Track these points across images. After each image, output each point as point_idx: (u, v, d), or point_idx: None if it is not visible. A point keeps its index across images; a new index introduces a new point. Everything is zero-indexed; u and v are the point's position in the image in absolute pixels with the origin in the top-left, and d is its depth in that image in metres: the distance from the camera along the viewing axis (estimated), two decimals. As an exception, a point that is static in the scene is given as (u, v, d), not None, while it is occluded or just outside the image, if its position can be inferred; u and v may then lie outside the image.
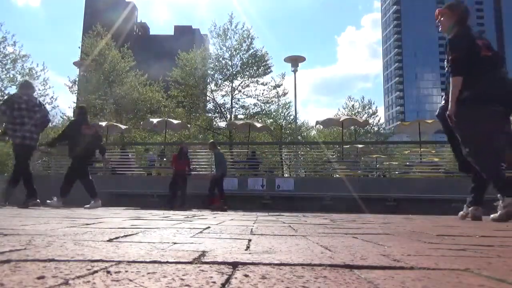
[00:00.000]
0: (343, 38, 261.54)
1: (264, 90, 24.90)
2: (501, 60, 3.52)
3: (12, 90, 21.08)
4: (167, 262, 0.88)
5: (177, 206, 8.72)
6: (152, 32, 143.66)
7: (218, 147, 9.70)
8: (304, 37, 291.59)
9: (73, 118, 7.31)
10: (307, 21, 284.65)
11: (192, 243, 1.32)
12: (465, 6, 3.68)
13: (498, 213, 3.17)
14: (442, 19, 3.68)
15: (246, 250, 1.15)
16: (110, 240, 1.35)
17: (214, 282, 0.67)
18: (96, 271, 0.74)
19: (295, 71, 15.19)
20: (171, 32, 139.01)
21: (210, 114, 26.82)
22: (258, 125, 15.77)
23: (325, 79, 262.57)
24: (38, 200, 5.89)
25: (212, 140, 10.44)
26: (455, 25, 3.54)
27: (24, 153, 5.79)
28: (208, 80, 25.93)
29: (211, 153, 9.88)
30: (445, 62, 3.48)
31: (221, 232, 1.85)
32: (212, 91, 25.61)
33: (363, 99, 31.89)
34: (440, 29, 3.72)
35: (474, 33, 3.57)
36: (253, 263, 0.88)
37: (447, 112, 3.42)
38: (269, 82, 24.92)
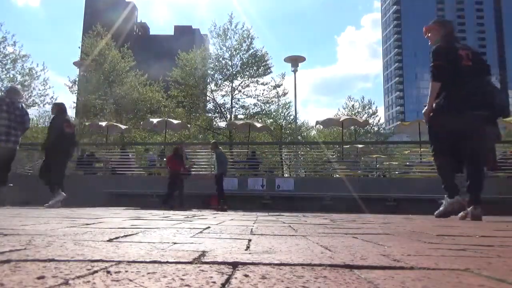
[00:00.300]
0: (343, 38, 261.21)
1: (264, 90, 24.91)
2: (485, 69, 3.67)
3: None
4: (167, 262, 0.88)
5: (177, 206, 8.72)
6: (152, 32, 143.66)
7: (220, 147, 9.69)
8: (304, 37, 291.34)
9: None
10: (307, 21, 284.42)
11: (192, 243, 1.32)
12: (450, 22, 4.06)
13: (449, 205, 3.56)
14: (429, 34, 3.99)
15: (246, 250, 1.15)
16: (110, 240, 1.35)
17: (214, 282, 0.67)
18: (96, 271, 0.74)
19: (295, 71, 15.17)
20: (171, 32, 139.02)
21: (210, 114, 26.80)
22: (258, 125, 15.76)
23: (325, 79, 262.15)
24: (9, 184, 5.92)
25: (214, 140, 10.41)
26: (442, 39, 3.83)
27: None
28: (208, 80, 25.91)
29: (212, 153, 9.87)
30: None
31: (221, 232, 1.85)
32: (212, 91, 25.61)
33: (363, 99, 31.89)
34: (429, 43, 4.00)
35: (459, 44, 3.83)
36: (253, 263, 0.88)
37: (423, 111, 3.84)
38: (269, 82, 24.93)
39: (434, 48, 3.75)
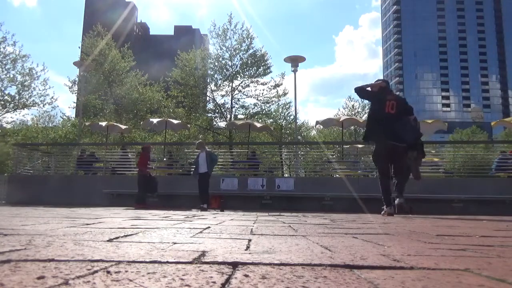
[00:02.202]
0: (341, 37, 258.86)
1: (264, 90, 24.86)
2: (404, 113, 5.17)
3: (12, 90, 21.06)
4: (167, 262, 0.88)
5: (137, 204, 8.56)
6: (152, 32, 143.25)
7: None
8: (302, 36, 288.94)
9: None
10: (305, 20, 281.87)
11: (192, 243, 1.32)
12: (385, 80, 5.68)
13: (383, 212, 5.12)
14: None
15: (246, 250, 1.15)
16: (110, 240, 1.35)
17: (214, 282, 0.67)
18: (96, 271, 0.74)
19: (295, 71, 15.11)
20: (171, 32, 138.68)
21: (210, 114, 26.75)
22: (258, 125, 15.71)
23: (324, 78, 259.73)
24: None
25: (200, 140, 9.89)
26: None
27: None
28: (208, 80, 25.88)
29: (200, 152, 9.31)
30: None
31: (221, 232, 1.85)
32: (212, 91, 25.58)
33: (363, 99, 31.83)
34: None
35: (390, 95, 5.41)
36: (253, 263, 0.88)
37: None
38: (269, 82, 24.89)
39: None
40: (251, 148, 14.38)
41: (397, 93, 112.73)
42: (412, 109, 5.34)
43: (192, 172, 8.87)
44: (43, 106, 22.02)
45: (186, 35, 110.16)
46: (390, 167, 5.26)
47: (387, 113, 5.14)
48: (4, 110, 21.15)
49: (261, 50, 24.89)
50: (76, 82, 24.95)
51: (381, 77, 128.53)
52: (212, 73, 25.27)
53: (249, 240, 1.45)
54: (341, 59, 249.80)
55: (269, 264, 0.87)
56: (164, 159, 12.96)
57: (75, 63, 18.29)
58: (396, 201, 5.10)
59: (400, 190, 5.16)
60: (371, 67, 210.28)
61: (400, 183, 5.19)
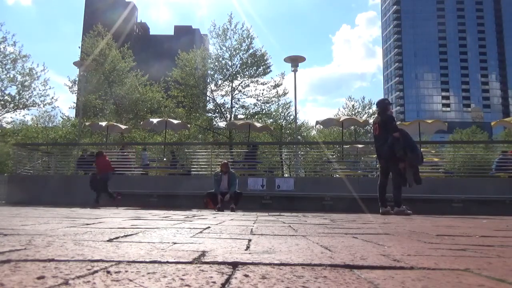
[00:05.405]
0: (338, 37, 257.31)
1: (263, 90, 24.87)
2: (386, 131, 5.89)
3: (12, 90, 21.06)
4: (167, 262, 0.88)
5: (97, 204, 8.96)
6: (152, 32, 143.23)
7: None
8: (299, 36, 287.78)
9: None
10: (302, 20, 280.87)
11: (192, 243, 1.32)
12: (379, 102, 6.53)
13: (380, 211, 5.89)
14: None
15: (246, 250, 1.15)
16: (110, 240, 1.35)
17: (214, 282, 0.67)
18: (96, 271, 0.74)
19: (295, 71, 15.08)
20: (171, 32, 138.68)
21: (210, 114, 26.75)
22: (258, 125, 15.70)
23: (322, 78, 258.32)
24: None
25: (225, 161, 9.08)
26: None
27: None
28: (208, 80, 25.89)
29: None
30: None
31: (221, 232, 1.85)
32: (212, 91, 25.59)
33: (364, 99, 31.84)
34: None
35: (379, 116, 6.25)
36: (253, 263, 0.88)
37: None
38: (269, 82, 24.89)
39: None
40: (252, 143, 14.30)
41: (398, 93, 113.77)
42: (393, 127, 6.00)
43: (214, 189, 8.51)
44: (43, 106, 22.00)
45: (186, 35, 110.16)
46: (387, 177, 6.08)
47: (375, 135, 6.19)
48: (4, 110, 21.14)
49: (261, 50, 24.91)
50: (76, 82, 24.94)
51: (381, 78, 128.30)
52: (212, 73, 25.28)
53: (249, 240, 1.46)
54: (338, 59, 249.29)
55: (269, 264, 0.87)
56: (164, 159, 12.96)
57: (75, 63, 18.27)
58: (394, 209, 5.80)
59: (396, 199, 5.87)
60: (369, 67, 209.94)
61: (393, 193, 5.89)
